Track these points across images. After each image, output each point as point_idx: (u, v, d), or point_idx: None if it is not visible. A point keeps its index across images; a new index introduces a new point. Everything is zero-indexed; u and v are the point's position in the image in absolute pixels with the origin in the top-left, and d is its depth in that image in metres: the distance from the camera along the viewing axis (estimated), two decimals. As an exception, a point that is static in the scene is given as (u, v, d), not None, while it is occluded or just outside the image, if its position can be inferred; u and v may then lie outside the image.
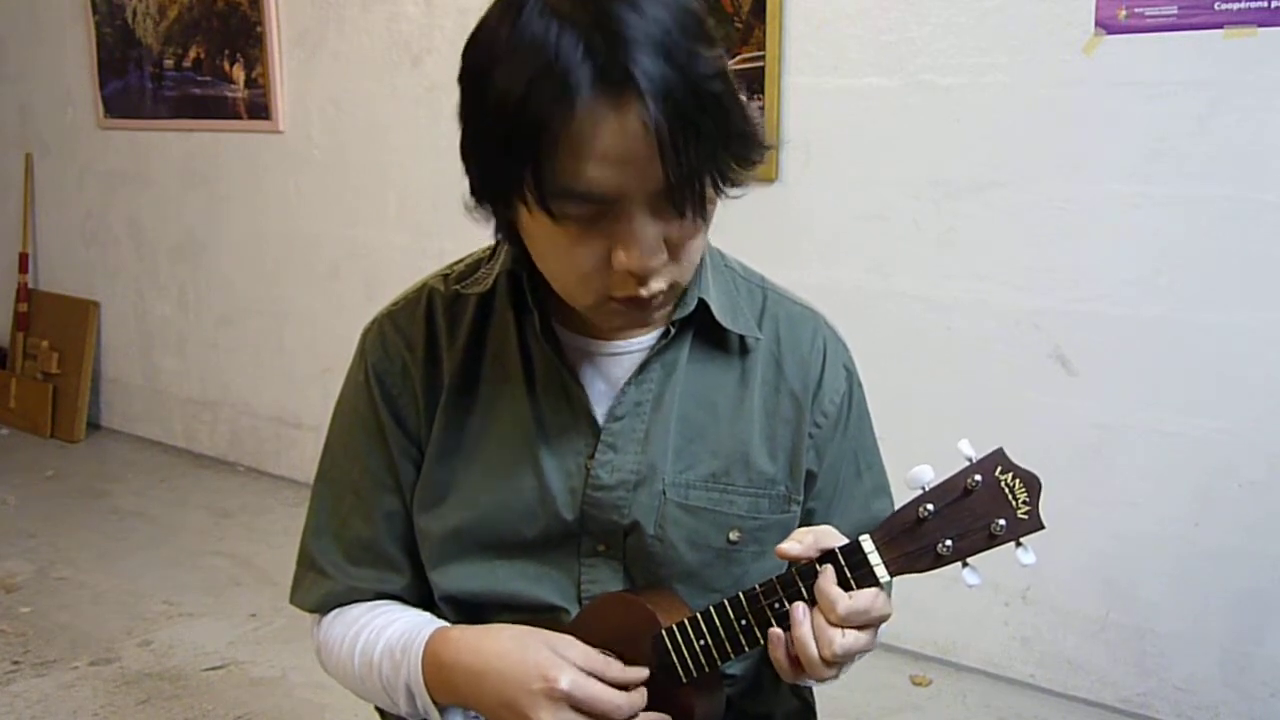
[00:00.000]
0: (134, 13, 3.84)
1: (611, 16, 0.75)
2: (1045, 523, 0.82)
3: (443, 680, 0.94)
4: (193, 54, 3.69)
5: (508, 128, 0.78)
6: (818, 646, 0.84)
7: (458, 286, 1.00)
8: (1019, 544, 0.83)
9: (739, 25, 2.47)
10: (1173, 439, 2.15)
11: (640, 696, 0.92)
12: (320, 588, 1.05)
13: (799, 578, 0.86)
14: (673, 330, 0.97)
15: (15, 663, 2.52)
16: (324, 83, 3.38)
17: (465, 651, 0.93)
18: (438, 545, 1.00)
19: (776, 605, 0.87)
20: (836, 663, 0.84)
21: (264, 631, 2.67)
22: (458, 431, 0.99)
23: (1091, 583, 2.29)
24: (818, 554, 0.86)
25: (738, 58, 2.46)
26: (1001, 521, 0.82)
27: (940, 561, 0.84)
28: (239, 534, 3.29)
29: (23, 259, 4.41)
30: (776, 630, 0.87)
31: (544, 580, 0.99)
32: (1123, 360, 2.18)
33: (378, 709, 1.09)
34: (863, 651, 0.86)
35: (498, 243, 1.02)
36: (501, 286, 0.99)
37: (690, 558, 0.98)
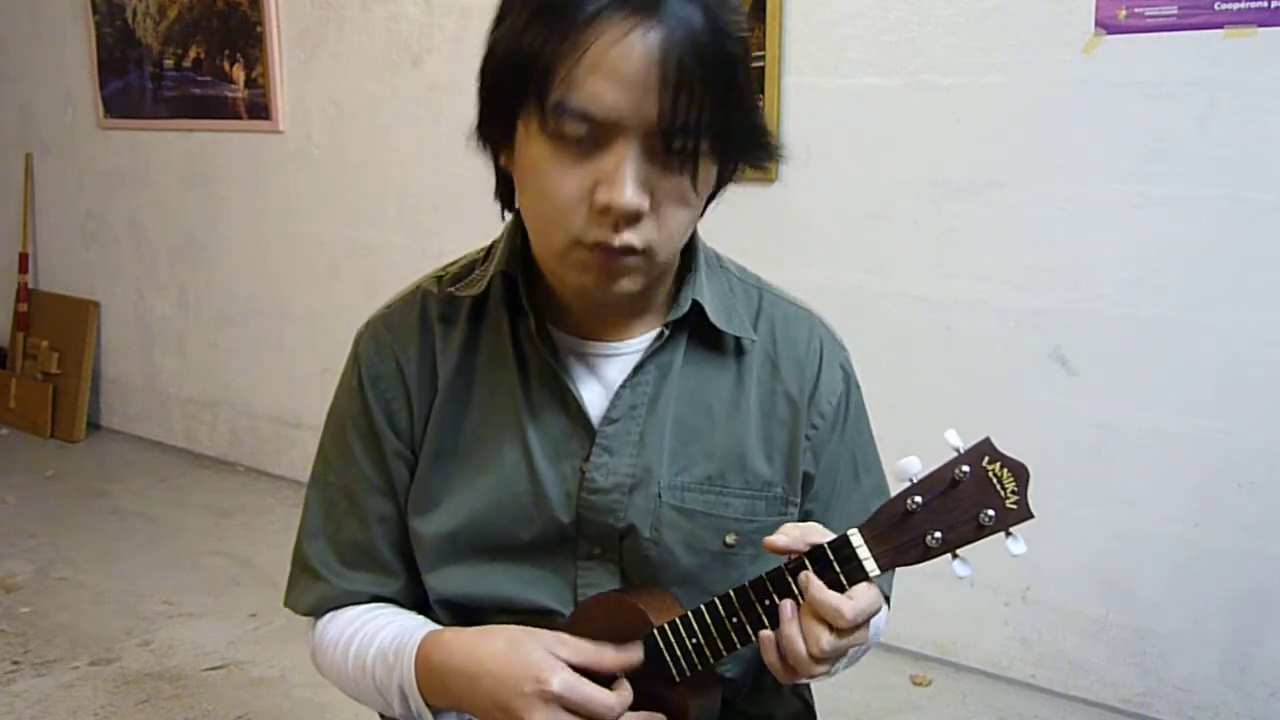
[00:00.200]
0: (134, 13, 3.84)
1: None
2: (1034, 511, 0.81)
3: (435, 683, 0.94)
4: (193, 54, 3.69)
5: (533, 26, 0.80)
6: (805, 644, 0.83)
7: (452, 288, 1.00)
8: (1009, 534, 0.82)
9: (739, 25, 2.46)
10: (1173, 439, 2.16)
11: (627, 692, 0.91)
12: (315, 591, 1.05)
13: (789, 574, 0.86)
14: (666, 332, 0.96)
15: (15, 663, 2.52)
16: (324, 83, 3.38)
17: (457, 654, 0.92)
18: (432, 549, 1.00)
19: (767, 603, 0.87)
20: (825, 659, 0.84)
21: (264, 631, 2.67)
22: (452, 434, 0.99)
23: (1091, 583, 2.29)
24: (806, 547, 0.85)
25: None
26: (990, 512, 0.81)
27: (929, 554, 0.83)
28: (239, 534, 3.29)
29: (23, 259, 4.41)
30: (767, 632, 0.86)
31: (539, 584, 0.99)
32: (1123, 360, 2.18)
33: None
34: (854, 647, 0.85)
35: (492, 244, 1.02)
36: (496, 288, 0.99)
37: (687, 561, 0.98)
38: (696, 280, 0.98)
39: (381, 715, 1.08)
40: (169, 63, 3.77)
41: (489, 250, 1.02)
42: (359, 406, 1.01)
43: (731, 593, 0.89)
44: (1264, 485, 2.09)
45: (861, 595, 0.84)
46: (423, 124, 3.16)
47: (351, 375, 1.03)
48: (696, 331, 0.98)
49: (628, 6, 0.78)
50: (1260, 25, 1.96)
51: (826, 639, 0.82)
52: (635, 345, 0.98)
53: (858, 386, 1.07)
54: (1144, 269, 2.14)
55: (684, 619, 0.91)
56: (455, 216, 3.12)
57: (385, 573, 1.04)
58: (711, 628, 0.90)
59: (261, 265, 3.69)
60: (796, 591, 0.85)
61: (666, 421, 0.97)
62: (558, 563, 0.99)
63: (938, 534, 0.83)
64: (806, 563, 0.85)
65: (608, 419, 0.96)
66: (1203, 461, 2.14)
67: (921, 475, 0.83)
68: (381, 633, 0.99)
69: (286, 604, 1.08)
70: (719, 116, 0.82)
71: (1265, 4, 1.95)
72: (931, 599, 2.42)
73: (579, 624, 0.96)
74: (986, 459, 0.82)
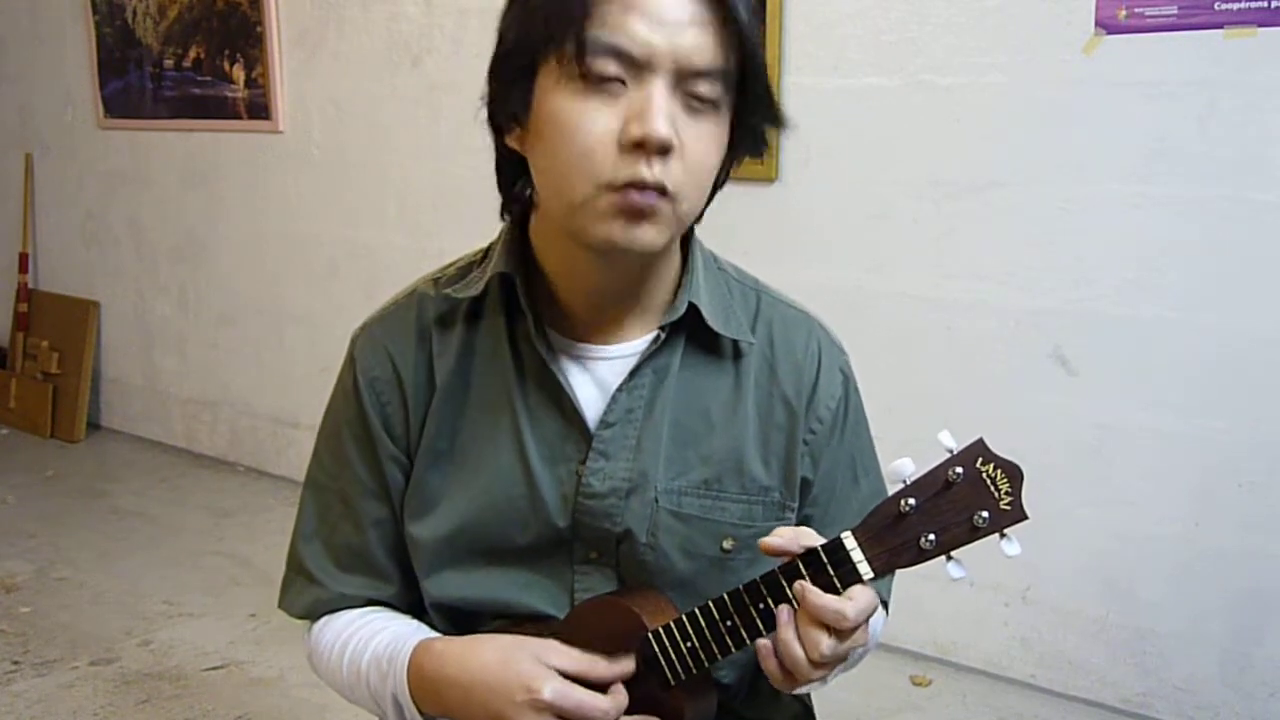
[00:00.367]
0: (134, 13, 3.84)
1: None
2: (1031, 512, 0.81)
3: (429, 692, 0.93)
4: (193, 54, 3.69)
5: None
6: (804, 650, 0.83)
7: (448, 290, 0.99)
8: (1003, 535, 0.82)
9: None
10: (1173, 439, 2.15)
11: (622, 697, 0.91)
12: (309, 594, 1.05)
13: (783, 577, 0.86)
14: (662, 335, 0.95)
15: (15, 663, 2.52)
16: (324, 83, 3.38)
17: (449, 664, 0.92)
18: (429, 552, 0.99)
19: (761, 606, 0.87)
20: (825, 664, 0.83)
21: (264, 631, 2.67)
22: (448, 436, 0.99)
23: (1091, 583, 2.29)
24: (800, 549, 0.85)
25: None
26: (984, 513, 0.81)
27: (924, 556, 0.83)
28: (239, 534, 3.29)
29: (23, 259, 4.41)
30: (764, 640, 0.86)
31: (536, 588, 0.99)
32: (1123, 360, 2.18)
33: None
34: (853, 649, 0.85)
35: (489, 246, 1.02)
36: (494, 289, 0.98)
37: (683, 566, 0.97)
38: (693, 282, 0.97)
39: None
40: (169, 63, 3.77)
41: (486, 252, 1.02)
42: (354, 410, 1.01)
43: (726, 596, 0.88)
44: (1264, 485, 2.09)
45: (860, 595, 0.83)
46: (423, 124, 3.16)
47: (347, 378, 1.02)
48: (694, 334, 0.98)
49: None
50: (1260, 25, 1.96)
51: (826, 643, 0.82)
52: (632, 348, 0.97)
53: (856, 390, 1.06)
54: (1144, 269, 2.14)
55: (679, 622, 0.91)
56: (455, 216, 3.12)
57: (380, 577, 1.04)
58: (706, 631, 0.89)
59: (261, 265, 3.69)
60: (791, 597, 0.85)
61: (663, 425, 0.97)
62: (554, 567, 0.98)
63: (931, 536, 0.82)
64: (801, 568, 0.85)
65: (604, 423, 0.96)
66: (1203, 461, 2.13)
67: (915, 477, 0.83)
68: (375, 639, 0.99)
69: (281, 605, 1.08)
70: (742, 63, 0.86)
71: (1265, 4, 1.95)
72: (931, 599, 2.42)
73: (573, 628, 0.95)
74: (980, 460, 0.82)
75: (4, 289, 4.56)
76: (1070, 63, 2.14)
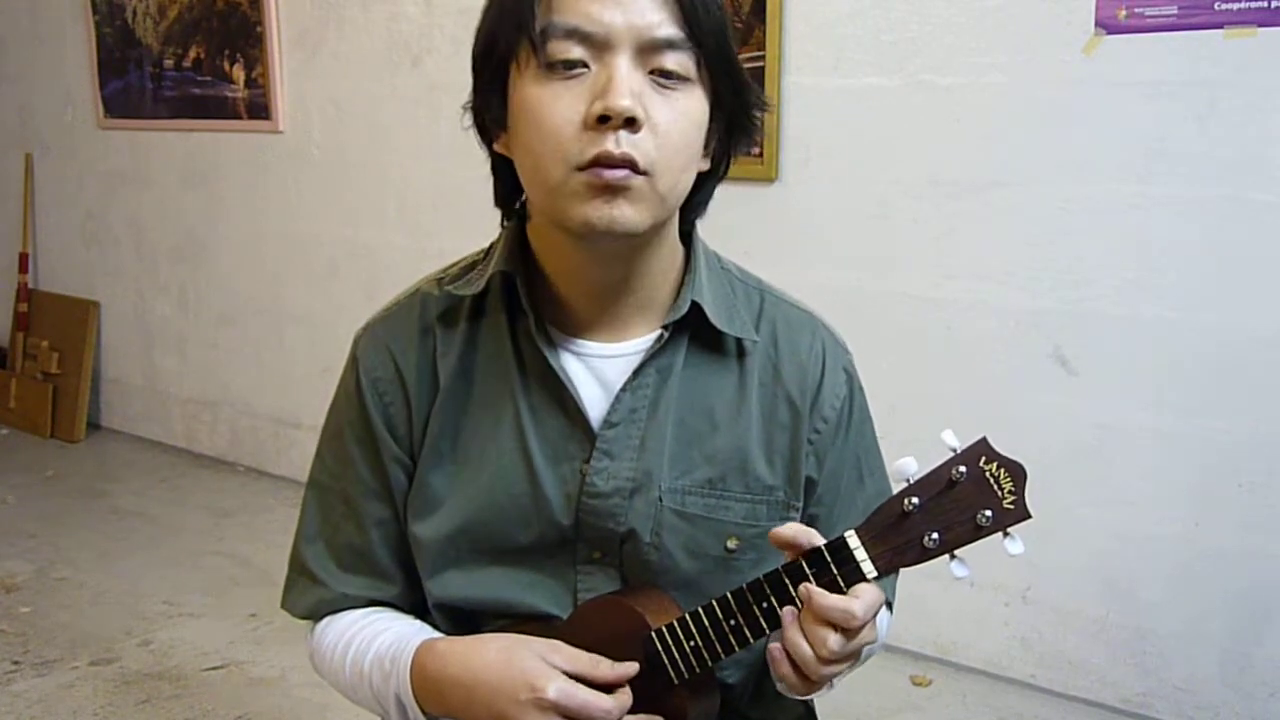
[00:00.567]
0: (134, 13, 3.84)
1: None
2: (1033, 511, 0.81)
3: (432, 692, 0.93)
4: (193, 54, 3.69)
5: None
6: (812, 648, 0.83)
7: (450, 288, 0.99)
8: (1006, 534, 0.82)
9: (739, 25, 2.47)
10: (1173, 439, 2.15)
11: (626, 696, 0.91)
12: (312, 594, 1.05)
13: (786, 576, 0.86)
14: (665, 334, 0.95)
15: (15, 663, 2.52)
16: (324, 83, 3.38)
17: (453, 664, 0.92)
18: (431, 552, 0.99)
19: (765, 605, 0.87)
20: (836, 659, 0.83)
21: (264, 631, 2.67)
22: (451, 436, 0.99)
23: (1091, 583, 2.29)
24: (809, 543, 0.85)
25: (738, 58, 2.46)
26: (988, 512, 0.81)
27: (927, 555, 0.83)
28: (239, 534, 3.29)
29: (23, 259, 4.40)
30: (777, 646, 0.86)
31: (539, 588, 0.98)
32: (1123, 360, 2.18)
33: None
34: (863, 645, 0.85)
35: (491, 245, 1.02)
36: (495, 287, 0.98)
37: (687, 566, 0.97)
38: (696, 281, 0.97)
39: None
40: (169, 63, 3.77)
41: (488, 251, 1.02)
42: (357, 410, 1.01)
43: (729, 595, 0.88)
44: (1264, 485, 2.09)
45: (866, 592, 0.83)
46: (423, 124, 3.16)
47: (350, 378, 1.02)
48: (697, 333, 0.98)
49: None
50: (1260, 25, 1.96)
51: (834, 639, 0.82)
52: (635, 346, 0.97)
53: (861, 389, 1.06)
54: (1144, 269, 2.14)
55: (682, 621, 0.91)
56: (455, 216, 3.12)
57: (382, 577, 1.03)
58: (709, 630, 0.89)
59: (261, 265, 3.69)
60: (795, 595, 0.85)
61: (667, 425, 0.97)
62: (557, 567, 0.98)
63: (935, 535, 0.82)
64: (804, 567, 0.85)
65: (608, 423, 0.96)
66: (1203, 461, 2.13)
67: (918, 476, 0.83)
68: (378, 639, 0.99)
69: (284, 606, 1.08)
70: (705, 33, 0.86)
71: (1265, 4, 1.95)
72: (931, 599, 2.42)
73: (576, 628, 0.95)
74: (983, 459, 0.82)
75: (4, 289, 4.56)
76: (1070, 63, 2.14)
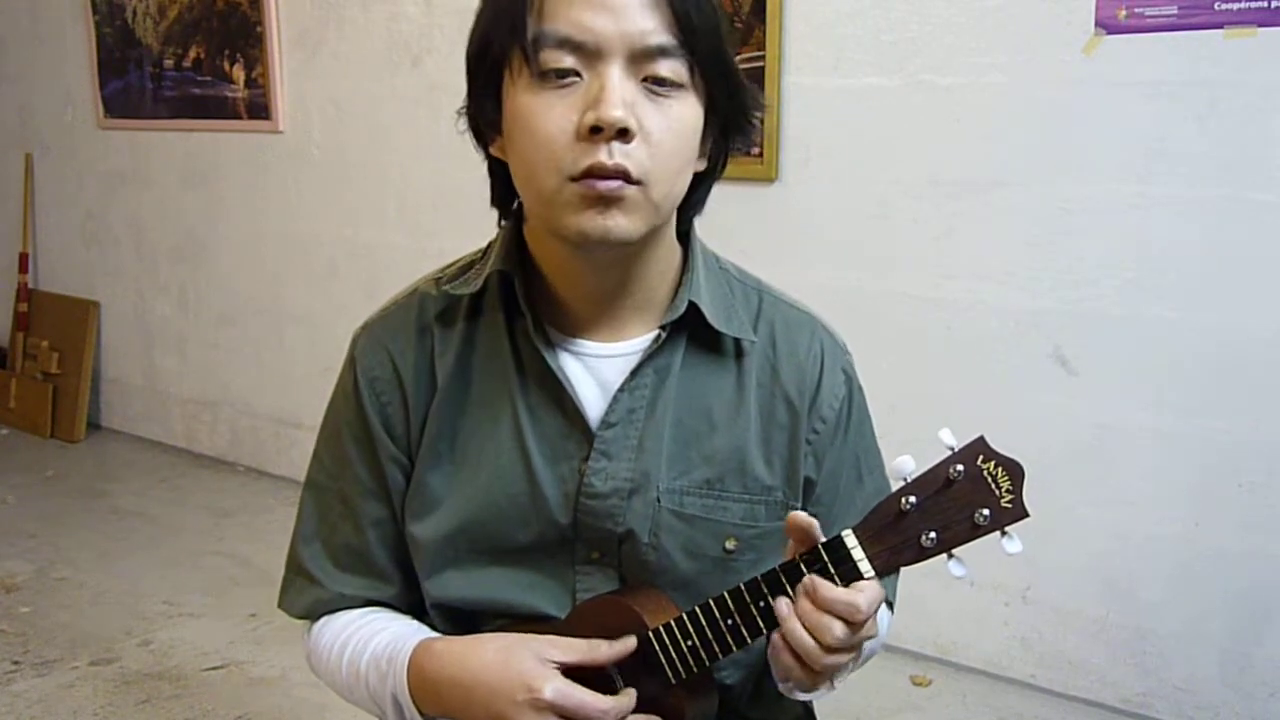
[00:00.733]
0: (134, 13, 3.84)
1: None
2: (1032, 511, 0.80)
3: (429, 693, 0.93)
4: (193, 54, 3.69)
5: None
6: (815, 636, 0.83)
7: (448, 288, 0.99)
8: (1004, 533, 0.81)
9: (739, 25, 2.47)
10: (1173, 439, 2.15)
11: (629, 699, 0.91)
12: (309, 594, 1.05)
13: (783, 575, 0.86)
14: (663, 334, 0.95)
15: (15, 663, 2.52)
16: (324, 83, 3.38)
17: (450, 664, 0.92)
18: (429, 552, 0.99)
19: (762, 604, 0.87)
20: (838, 650, 0.83)
21: (264, 631, 2.67)
22: (449, 436, 0.98)
23: (1091, 583, 2.29)
24: (822, 536, 0.85)
25: (738, 58, 2.46)
26: (985, 511, 0.80)
27: (924, 554, 0.82)
28: (239, 534, 3.29)
29: (23, 259, 4.41)
30: (777, 635, 0.86)
31: (538, 588, 0.98)
32: (1123, 360, 2.18)
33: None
34: (865, 639, 0.85)
35: (489, 244, 1.02)
36: (492, 286, 0.98)
37: (686, 566, 0.97)
38: (694, 281, 0.97)
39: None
40: (169, 63, 3.77)
41: (486, 250, 1.02)
42: (354, 410, 1.01)
43: (726, 594, 0.88)
44: (1264, 485, 2.09)
45: (867, 588, 0.83)
46: (423, 124, 3.16)
47: (347, 378, 1.02)
48: (695, 333, 0.97)
49: None
50: (1260, 25, 1.96)
51: (838, 628, 0.82)
52: (633, 346, 0.97)
53: (860, 389, 1.05)
54: (1144, 269, 2.14)
55: (679, 621, 0.91)
56: (455, 216, 3.12)
57: (379, 577, 1.03)
58: (707, 630, 0.89)
59: (261, 265, 3.69)
60: (791, 595, 0.85)
61: (665, 425, 0.96)
62: (555, 567, 0.98)
63: (933, 534, 0.82)
64: (801, 566, 0.85)
65: (605, 423, 0.96)
66: (1203, 461, 2.13)
67: (916, 475, 0.82)
68: (375, 640, 0.99)
69: (281, 606, 1.08)
70: (698, 39, 0.85)
71: (1265, 4, 1.95)
72: (931, 599, 2.42)
73: (574, 627, 0.95)
74: (981, 458, 0.81)
75: (4, 289, 4.56)
76: (1070, 63, 2.14)
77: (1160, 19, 2.03)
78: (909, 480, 0.82)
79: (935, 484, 0.82)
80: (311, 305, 3.57)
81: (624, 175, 0.83)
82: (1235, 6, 1.97)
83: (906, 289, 2.40)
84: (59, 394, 4.20)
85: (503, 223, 1.00)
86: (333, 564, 1.03)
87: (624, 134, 0.83)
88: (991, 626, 2.42)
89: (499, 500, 0.97)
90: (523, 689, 0.88)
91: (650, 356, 0.96)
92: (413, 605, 1.05)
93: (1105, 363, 2.20)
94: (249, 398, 3.83)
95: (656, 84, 0.85)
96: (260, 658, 2.55)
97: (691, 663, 0.90)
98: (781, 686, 0.96)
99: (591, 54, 0.83)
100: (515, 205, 0.99)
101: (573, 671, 0.90)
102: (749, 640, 0.88)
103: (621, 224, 0.85)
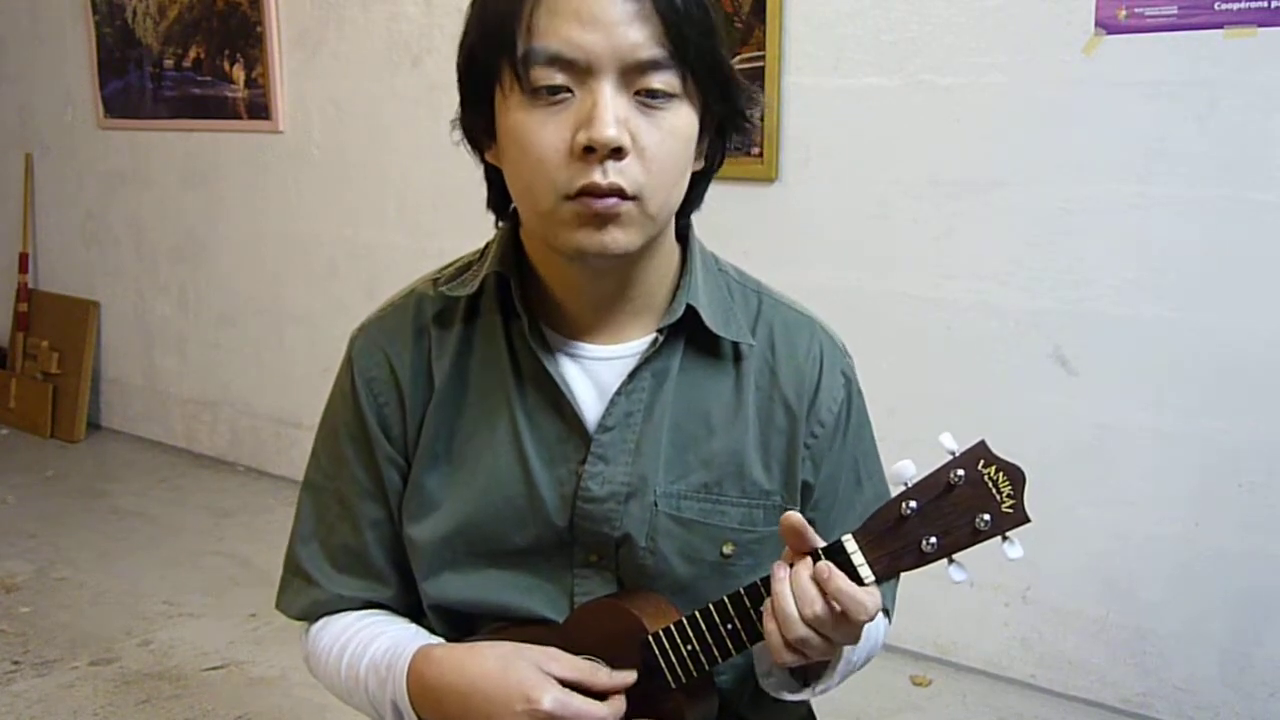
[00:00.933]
0: (134, 13, 3.83)
1: None
2: (1032, 514, 0.80)
3: (428, 700, 0.93)
4: (193, 54, 3.69)
5: None
6: (797, 605, 0.82)
7: (445, 289, 0.99)
8: (1005, 538, 0.81)
9: (739, 25, 2.47)
10: (1173, 439, 2.15)
11: (620, 703, 0.91)
12: (307, 595, 1.04)
13: None
14: (661, 337, 0.95)
15: (15, 663, 2.52)
16: (324, 83, 3.38)
17: (449, 672, 0.92)
18: (427, 554, 0.99)
19: (762, 609, 0.86)
20: (816, 628, 0.82)
21: (264, 631, 2.67)
22: (446, 438, 0.98)
23: (1091, 583, 2.29)
24: (820, 541, 0.85)
25: (738, 58, 2.46)
26: (986, 516, 0.80)
27: (925, 559, 0.82)
28: (239, 534, 3.29)
29: (23, 259, 4.40)
30: (767, 602, 0.85)
31: (535, 591, 0.98)
32: (1123, 360, 2.18)
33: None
34: (845, 641, 0.84)
35: (487, 245, 1.02)
36: (489, 287, 0.98)
37: (683, 571, 0.97)
38: (692, 284, 0.96)
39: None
40: (169, 63, 3.77)
41: (484, 251, 1.02)
42: (352, 410, 1.00)
43: (726, 599, 0.88)
44: (1264, 485, 2.09)
45: (873, 592, 0.83)
46: (423, 124, 3.16)
47: (345, 379, 1.02)
48: (693, 336, 0.97)
49: None
50: (1260, 25, 1.96)
51: (820, 604, 0.82)
52: (630, 349, 0.97)
53: (860, 393, 1.05)
54: (1144, 269, 2.14)
55: (679, 625, 0.90)
56: (455, 216, 3.12)
57: (377, 578, 1.03)
58: (707, 634, 0.89)
59: (261, 265, 3.69)
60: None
61: (663, 429, 0.96)
62: (553, 569, 0.98)
63: (933, 539, 0.81)
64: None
65: (603, 426, 0.95)
66: (1203, 461, 2.13)
67: (916, 479, 0.82)
68: (374, 644, 0.98)
69: (278, 606, 1.08)
70: (690, 48, 0.84)
71: (1265, 4, 1.95)
72: (931, 599, 2.41)
73: (574, 631, 0.95)
74: (982, 462, 0.81)
75: (4, 289, 4.56)
76: (1070, 63, 2.13)
77: (1160, 19, 2.03)
78: (909, 485, 0.82)
79: (936, 489, 0.81)
80: (311, 305, 3.57)
81: (619, 193, 0.83)
82: (1235, 6, 1.97)
83: (906, 289, 2.40)
84: (59, 394, 4.20)
85: (500, 224, 1.00)
86: (330, 565, 1.03)
87: (618, 152, 0.82)
88: (991, 626, 2.42)
89: (496, 502, 0.96)
90: (521, 698, 0.88)
91: (648, 360, 0.95)
92: (411, 607, 1.05)
93: (1105, 363, 2.20)
94: (249, 398, 3.83)
95: (649, 96, 0.84)
96: (260, 658, 2.55)
97: (691, 667, 0.90)
98: (763, 682, 0.96)
99: (582, 70, 0.82)
100: (511, 208, 0.99)
101: (568, 683, 0.90)
102: (748, 645, 0.88)
103: (619, 239, 0.85)
